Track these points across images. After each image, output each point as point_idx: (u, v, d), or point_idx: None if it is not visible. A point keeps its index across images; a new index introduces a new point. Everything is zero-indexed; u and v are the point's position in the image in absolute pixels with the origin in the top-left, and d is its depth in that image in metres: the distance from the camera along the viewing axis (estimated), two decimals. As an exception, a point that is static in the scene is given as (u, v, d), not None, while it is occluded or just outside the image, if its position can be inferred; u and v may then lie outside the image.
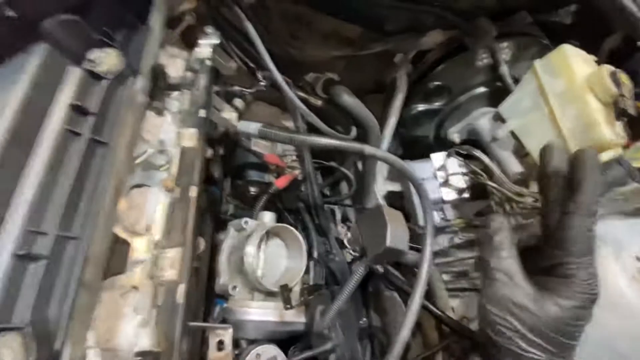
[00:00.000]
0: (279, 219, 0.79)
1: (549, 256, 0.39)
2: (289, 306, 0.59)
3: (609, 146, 0.67)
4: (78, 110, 0.38)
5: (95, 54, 0.42)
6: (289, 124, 1.02)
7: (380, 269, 0.70)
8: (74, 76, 0.40)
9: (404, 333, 0.47)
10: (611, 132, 0.65)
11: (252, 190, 0.91)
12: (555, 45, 0.83)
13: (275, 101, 0.94)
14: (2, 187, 0.30)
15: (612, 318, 0.56)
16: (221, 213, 0.86)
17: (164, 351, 0.37)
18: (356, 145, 0.56)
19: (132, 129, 0.46)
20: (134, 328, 0.47)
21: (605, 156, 0.74)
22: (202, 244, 0.52)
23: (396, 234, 0.48)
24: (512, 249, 0.40)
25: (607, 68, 0.67)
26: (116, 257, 0.49)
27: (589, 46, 0.84)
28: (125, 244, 0.53)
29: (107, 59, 0.42)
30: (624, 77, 0.66)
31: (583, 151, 0.40)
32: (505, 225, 0.42)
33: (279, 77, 0.65)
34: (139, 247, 0.53)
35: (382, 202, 1.00)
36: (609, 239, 0.63)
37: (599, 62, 0.74)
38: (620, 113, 0.63)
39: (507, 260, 0.39)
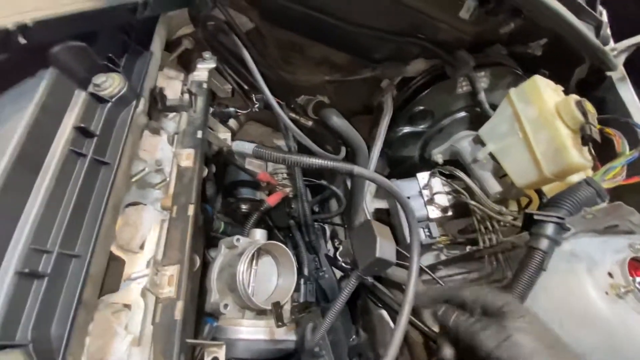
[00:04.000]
0: (270, 237, 0.81)
1: None
2: (280, 323, 0.60)
3: (578, 168, 0.72)
4: (82, 132, 0.40)
5: (100, 79, 0.44)
6: (280, 142, 1.05)
7: (370, 279, 0.72)
8: (79, 99, 0.41)
9: (392, 352, 0.49)
10: (579, 155, 0.71)
11: (244, 207, 0.93)
12: (529, 75, 0.91)
13: (267, 121, 0.97)
14: (10, 206, 0.31)
15: (586, 333, 0.58)
16: (212, 230, 0.86)
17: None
18: (346, 166, 0.59)
19: (131, 149, 0.47)
20: (126, 346, 0.47)
21: (576, 177, 0.80)
22: (197, 261, 0.53)
23: (385, 246, 0.51)
24: None
25: (574, 97, 0.73)
26: (110, 274, 0.50)
27: (559, 75, 0.92)
28: (120, 262, 0.53)
29: (111, 83, 0.44)
30: (589, 106, 0.72)
31: None
32: None
33: (272, 100, 0.68)
34: (133, 265, 0.53)
35: (370, 218, 1.03)
36: (583, 256, 0.67)
37: (567, 92, 0.81)
38: (586, 138, 0.69)
39: None
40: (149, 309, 0.42)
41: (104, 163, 0.41)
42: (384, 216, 1.05)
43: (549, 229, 0.71)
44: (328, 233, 1.08)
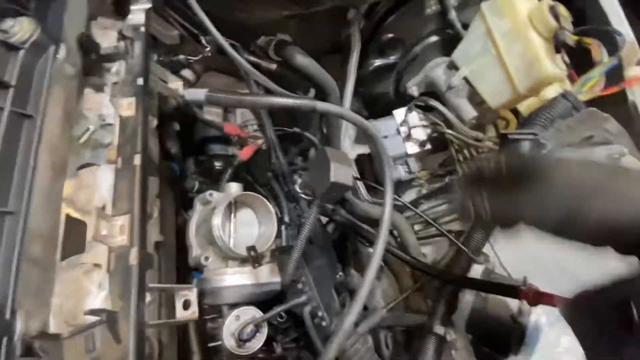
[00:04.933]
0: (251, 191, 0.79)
1: None
2: (257, 265, 0.61)
3: (553, 79, 0.69)
4: (-6, 83, 0.36)
5: (7, 24, 0.39)
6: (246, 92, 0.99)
7: (331, 206, 0.72)
8: (-16, 48, 0.37)
9: (370, 274, 0.50)
10: (553, 65, 0.67)
11: (217, 164, 0.90)
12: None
13: (228, 70, 0.91)
14: None
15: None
16: (188, 191, 0.85)
17: (120, 311, 0.37)
18: (308, 103, 0.56)
19: (64, 102, 0.43)
20: (100, 302, 0.47)
21: (552, 92, 0.77)
22: (155, 211, 0.51)
23: (340, 170, 0.50)
24: None
25: (547, 2, 0.68)
26: (74, 237, 0.48)
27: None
28: (82, 224, 0.52)
29: (20, 28, 0.39)
30: (562, 10, 0.68)
31: None
32: None
33: (223, 41, 0.62)
34: (96, 225, 0.52)
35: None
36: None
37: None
38: (559, 45, 0.65)
39: None
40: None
41: (25, 116, 0.38)
42: (367, 161, 1.03)
43: (525, 147, 0.70)
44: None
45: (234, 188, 0.77)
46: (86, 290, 0.46)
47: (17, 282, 0.30)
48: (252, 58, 0.82)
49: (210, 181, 0.89)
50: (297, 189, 0.56)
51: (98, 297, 0.47)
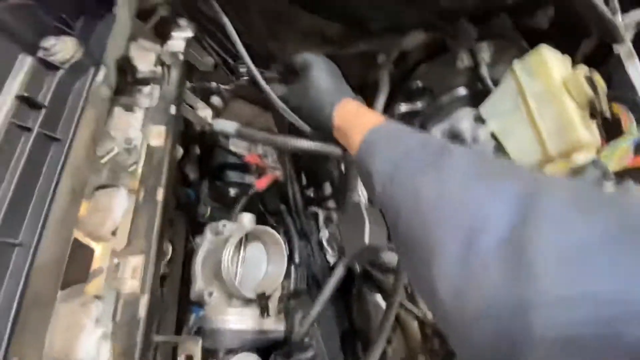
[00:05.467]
0: (261, 222, 0.77)
1: None
2: (266, 315, 0.57)
3: (585, 147, 0.67)
4: (27, 102, 0.34)
5: (50, 42, 0.38)
6: (271, 123, 0.99)
7: (358, 268, 0.68)
8: (24, 65, 0.36)
9: (383, 337, 0.46)
10: (587, 132, 0.66)
11: (232, 191, 0.88)
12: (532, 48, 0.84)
13: (255, 99, 0.91)
14: None
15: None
16: (199, 216, 0.82)
17: (123, 366, 0.33)
18: (337, 151, 0.55)
19: (94, 124, 0.42)
20: (95, 341, 0.43)
21: (582, 158, 0.76)
22: (169, 250, 0.48)
23: (375, 231, 0.46)
24: None
25: (583, 70, 0.68)
26: (77, 264, 0.45)
27: (565, 50, 0.86)
28: (88, 250, 0.49)
29: (62, 47, 0.39)
30: (599, 79, 0.67)
31: None
32: None
33: (257, 75, 0.62)
34: (103, 254, 0.49)
35: (365, 202, 0.99)
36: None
37: (574, 64, 0.75)
38: (594, 114, 0.64)
39: None
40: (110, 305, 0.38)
41: (54, 139, 0.36)
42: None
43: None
44: (322, 218, 1.04)
45: (247, 219, 0.75)
46: (81, 325, 0.43)
47: (14, 327, 0.27)
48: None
49: (223, 207, 0.87)
50: (323, 241, 0.52)
51: (93, 334, 0.43)
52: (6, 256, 0.29)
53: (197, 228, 0.78)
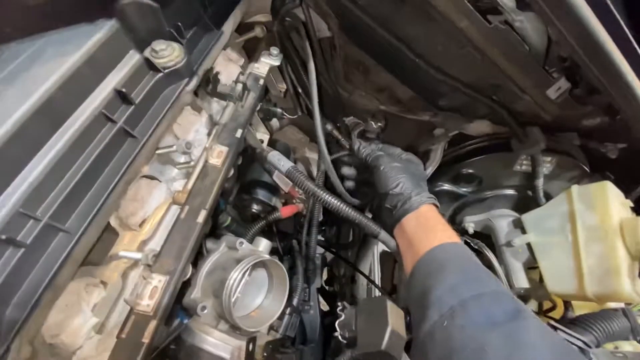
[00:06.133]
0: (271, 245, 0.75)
1: None
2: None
3: (625, 299, 0.64)
4: (121, 96, 0.36)
5: (160, 45, 0.40)
6: (314, 155, 1.00)
7: None
8: (131, 61, 0.38)
9: None
10: (631, 286, 0.62)
11: (255, 207, 0.88)
12: (593, 174, 0.82)
13: (307, 130, 0.92)
14: (13, 158, 0.27)
15: None
16: (217, 222, 0.82)
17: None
18: (374, 228, 0.54)
19: (167, 124, 0.43)
20: (86, 328, 0.42)
21: (615, 304, 0.72)
22: (189, 271, 0.48)
23: (395, 338, 0.43)
24: None
25: (642, 220, 0.65)
26: (98, 245, 0.46)
27: (624, 184, 0.83)
28: (113, 234, 0.49)
29: (170, 53, 0.41)
30: (657, 234, 0.64)
31: None
32: None
33: (317, 114, 0.63)
34: (125, 242, 0.49)
35: (377, 261, 0.96)
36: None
37: (634, 209, 0.73)
38: (645, 269, 0.61)
39: None
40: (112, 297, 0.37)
41: (131, 135, 0.37)
42: (390, 261, 0.98)
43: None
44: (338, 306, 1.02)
45: (264, 246, 0.73)
46: (79, 308, 0.42)
47: (31, 313, 0.27)
48: (334, 132, 0.83)
49: (242, 220, 0.87)
50: (337, 327, 0.50)
51: (86, 322, 0.42)
52: (48, 239, 0.30)
53: (211, 231, 0.78)
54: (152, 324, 0.34)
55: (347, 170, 0.66)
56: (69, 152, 0.31)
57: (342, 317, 0.53)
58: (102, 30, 0.34)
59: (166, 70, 0.40)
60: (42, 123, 0.30)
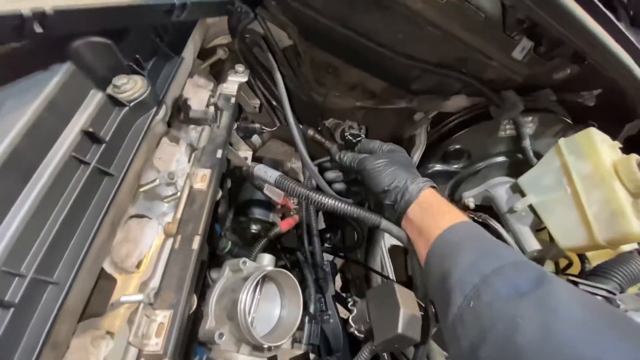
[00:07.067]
0: (277, 259, 0.74)
1: None
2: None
3: (637, 238, 0.63)
4: (90, 136, 0.35)
5: (121, 80, 0.40)
6: (300, 164, 0.99)
7: (386, 356, 0.62)
8: (94, 100, 0.37)
9: None
10: (639, 224, 0.62)
11: (254, 228, 0.87)
12: (577, 125, 0.83)
13: (290, 141, 0.92)
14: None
15: None
16: (218, 249, 0.80)
17: None
18: (374, 218, 0.53)
19: (144, 158, 0.42)
20: (98, 386, 0.40)
21: (627, 246, 0.71)
22: (195, 302, 0.46)
23: (409, 320, 0.42)
24: None
25: (635, 157, 0.65)
26: (97, 294, 0.44)
27: (608, 129, 0.84)
28: (111, 281, 0.48)
29: (132, 86, 0.40)
30: (653, 169, 0.64)
31: None
32: None
33: (293, 124, 0.63)
34: (125, 286, 0.47)
35: (386, 255, 0.94)
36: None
37: (622, 149, 0.73)
38: (649, 205, 0.60)
39: None
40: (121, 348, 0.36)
41: (107, 174, 0.36)
42: (401, 254, 0.97)
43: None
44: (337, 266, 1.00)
45: (267, 260, 0.72)
46: (89, 364, 0.40)
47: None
48: (317, 136, 0.83)
49: (243, 243, 0.85)
50: (351, 322, 0.49)
51: (99, 377, 0.40)
52: (39, 294, 0.28)
53: (213, 260, 0.76)
54: (164, 364, 0.33)
55: (333, 174, 0.65)
56: (44, 201, 0.30)
57: (355, 312, 0.51)
58: (58, 74, 0.34)
59: (132, 104, 0.40)
60: (10, 177, 0.29)
